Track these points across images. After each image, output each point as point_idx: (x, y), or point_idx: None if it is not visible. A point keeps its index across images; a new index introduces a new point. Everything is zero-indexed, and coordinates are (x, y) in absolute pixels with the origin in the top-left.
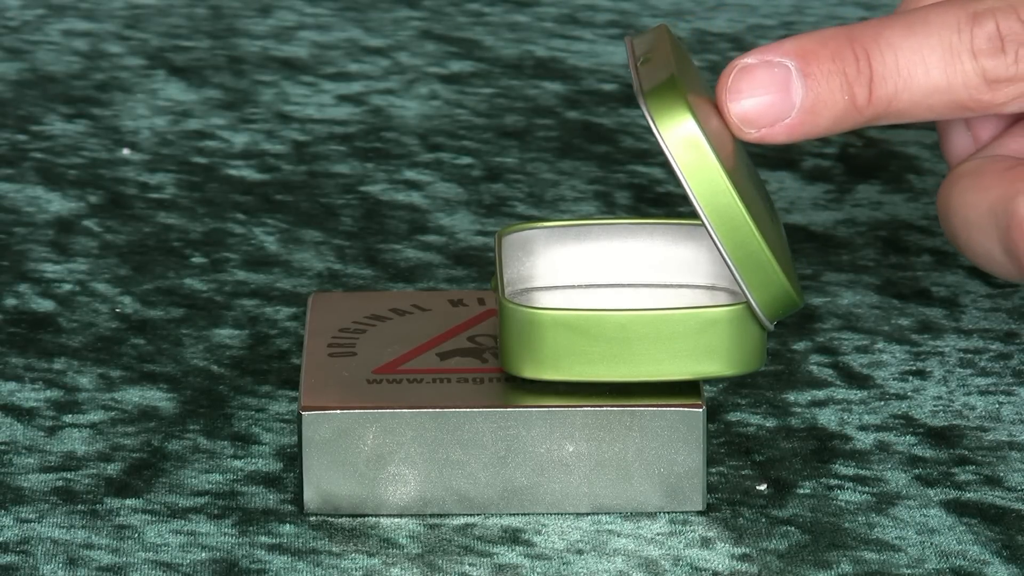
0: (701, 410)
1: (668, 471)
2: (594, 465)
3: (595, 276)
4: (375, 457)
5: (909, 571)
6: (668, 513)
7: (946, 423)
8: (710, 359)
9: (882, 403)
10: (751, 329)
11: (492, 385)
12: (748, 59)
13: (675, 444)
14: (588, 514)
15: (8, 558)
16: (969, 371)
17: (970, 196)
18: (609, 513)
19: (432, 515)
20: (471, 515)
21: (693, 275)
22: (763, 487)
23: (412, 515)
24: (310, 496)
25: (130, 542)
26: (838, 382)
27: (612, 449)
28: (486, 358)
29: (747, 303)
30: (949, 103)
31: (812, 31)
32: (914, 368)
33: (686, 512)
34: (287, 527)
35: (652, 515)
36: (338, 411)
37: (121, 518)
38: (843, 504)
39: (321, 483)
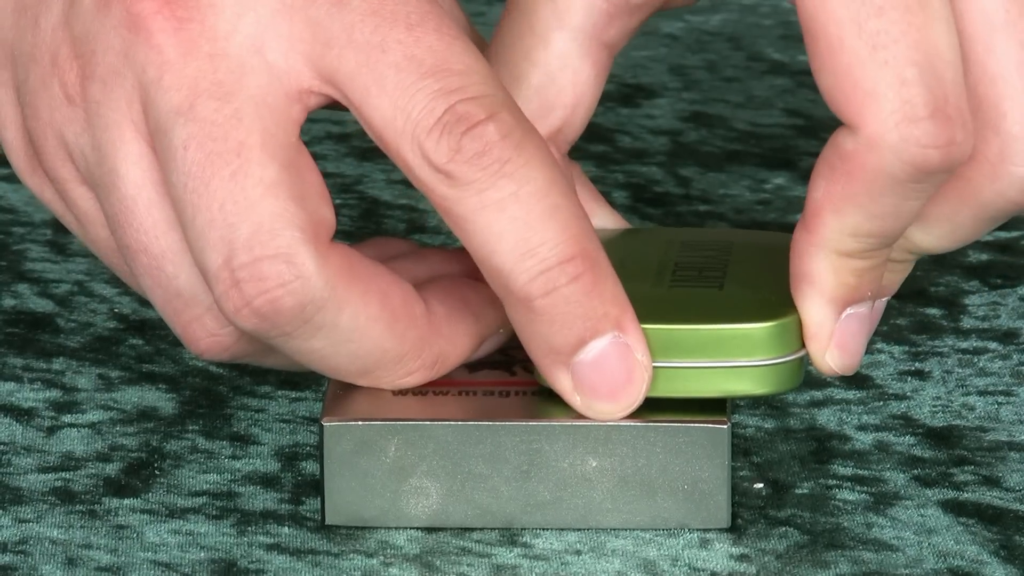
0: (726, 426)
1: (692, 487)
2: (617, 480)
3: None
4: (397, 469)
5: (907, 571)
6: (695, 531)
7: (945, 423)
8: (742, 377)
9: (881, 403)
10: (786, 347)
11: (518, 399)
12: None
13: (700, 460)
14: (609, 529)
15: (7, 558)
16: (968, 371)
17: None
18: (632, 529)
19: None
20: (492, 529)
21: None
22: (759, 486)
23: (434, 528)
24: (331, 508)
25: (129, 542)
26: (837, 382)
27: (636, 464)
28: (515, 371)
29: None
30: None
31: None
32: (913, 368)
33: (712, 529)
34: (286, 527)
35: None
36: (360, 422)
37: (120, 518)
38: (841, 504)
39: (343, 495)
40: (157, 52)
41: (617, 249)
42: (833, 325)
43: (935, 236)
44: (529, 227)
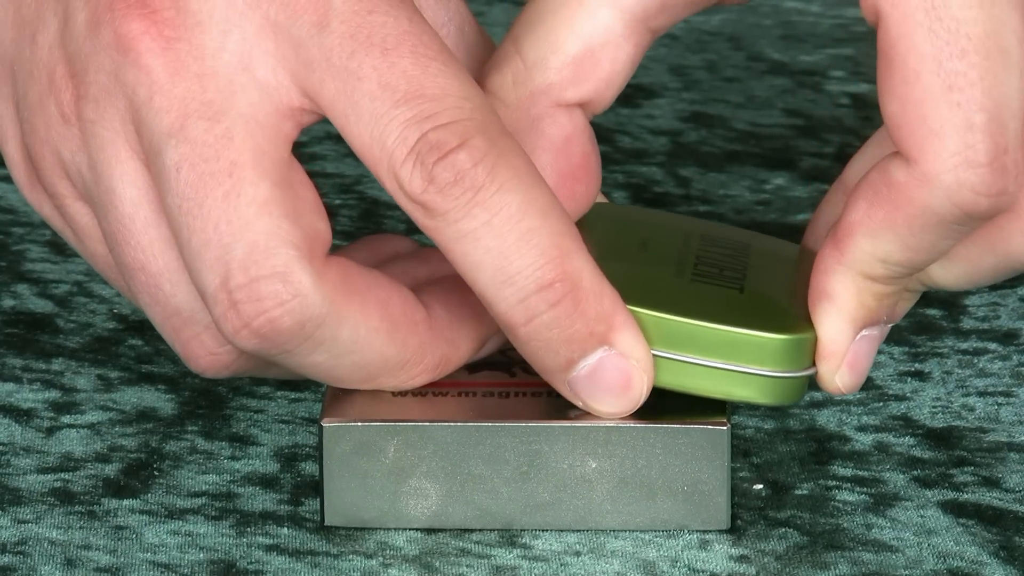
0: (726, 428)
1: (692, 489)
2: (617, 482)
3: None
4: (396, 470)
5: (907, 572)
6: (694, 532)
7: (945, 424)
8: (749, 384)
9: (881, 404)
10: (797, 363)
11: (517, 400)
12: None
13: (699, 462)
14: (608, 530)
15: (6, 559)
16: (968, 372)
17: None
18: (632, 530)
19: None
20: (491, 530)
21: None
22: (759, 487)
23: (433, 529)
24: (331, 509)
25: (128, 543)
26: None
27: (635, 466)
28: (515, 372)
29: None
30: None
31: None
32: (912, 369)
33: (712, 530)
34: (285, 528)
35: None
36: (359, 423)
37: (119, 519)
38: (841, 505)
39: (342, 496)
40: (146, 73)
41: (637, 230)
42: (848, 344)
43: (953, 275)
44: (504, 256)
